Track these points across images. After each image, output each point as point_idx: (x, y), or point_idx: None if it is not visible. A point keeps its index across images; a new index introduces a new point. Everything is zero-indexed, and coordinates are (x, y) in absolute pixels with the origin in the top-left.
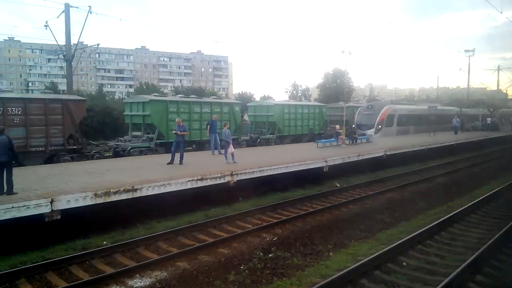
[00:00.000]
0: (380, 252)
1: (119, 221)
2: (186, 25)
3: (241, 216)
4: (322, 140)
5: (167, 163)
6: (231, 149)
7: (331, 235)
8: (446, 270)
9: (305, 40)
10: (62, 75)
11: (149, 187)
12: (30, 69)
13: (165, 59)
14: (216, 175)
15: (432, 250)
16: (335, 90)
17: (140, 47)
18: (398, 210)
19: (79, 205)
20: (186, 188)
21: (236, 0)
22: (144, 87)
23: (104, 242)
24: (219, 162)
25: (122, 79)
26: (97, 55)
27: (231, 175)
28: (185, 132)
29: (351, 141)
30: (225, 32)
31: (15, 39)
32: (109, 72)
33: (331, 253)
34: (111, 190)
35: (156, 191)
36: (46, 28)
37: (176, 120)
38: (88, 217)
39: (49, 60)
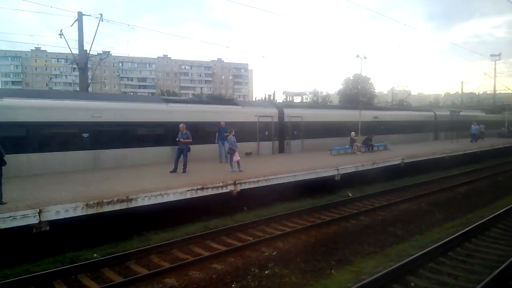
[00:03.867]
0: (387, 270)
1: (114, 232)
2: (207, 33)
3: (243, 228)
4: (336, 147)
5: (170, 172)
6: (236, 157)
7: (337, 249)
8: None
9: (325, 46)
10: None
11: (144, 197)
12: (50, 78)
13: (186, 67)
14: (217, 184)
15: (445, 268)
16: (356, 96)
17: (162, 56)
18: (413, 223)
19: (69, 216)
20: (185, 198)
21: (256, 9)
22: (165, 94)
23: (95, 255)
24: (225, 170)
25: (145, 87)
26: (120, 64)
27: (234, 184)
28: (189, 140)
29: (367, 148)
30: (245, 40)
31: (41, 48)
32: (131, 80)
33: (333, 271)
34: (104, 201)
35: (152, 201)
36: (60, 37)
37: (180, 126)
38: (80, 228)
39: (74, 69)
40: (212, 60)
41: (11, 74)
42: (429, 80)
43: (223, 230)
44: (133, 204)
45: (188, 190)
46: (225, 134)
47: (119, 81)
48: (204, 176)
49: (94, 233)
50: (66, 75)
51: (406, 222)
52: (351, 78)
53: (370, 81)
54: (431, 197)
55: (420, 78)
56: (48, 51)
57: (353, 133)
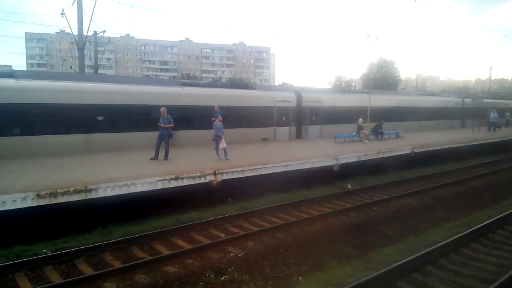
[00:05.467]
0: (360, 281)
1: (75, 225)
2: (230, 16)
3: (219, 223)
4: (341, 135)
5: (150, 159)
6: (222, 144)
7: (313, 251)
8: None
9: (350, 29)
10: (109, 65)
11: (107, 187)
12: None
13: (207, 51)
14: (195, 174)
15: (430, 280)
16: (380, 81)
17: (184, 39)
18: (409, 221)
19: (17, 207)
20: (156, 188)
21: None
22: (185, 78)
23: (44, 250)
24: (212, 158)
25: (166, 70)
26: (142, 47)
27: (214, 174)
28: (170, 125)
29: (376, 136)
30: (268, 23)
31: (66, 31)
32: (153, 63)
33: (300, 278)
34: (59, 191)
35: (116, 192)
36: (62, 16)
37: (160, 110)
38: (33, 220)
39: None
40: (234, 44)
41: (37, 57)
42: (460, 66)
43: (195, 225)
44: (93, 195)
45: (160, 180)
46: (212, 119)
47: (141, 64)
48: (186, 165)
49: (50, 226)
50: (90, 57)
51: (402, 220)
52: (375, 62)
53: (395, 66)
54: (437, 191)
55: (450, 64)
56: (74, 33)
57: (360, 119)
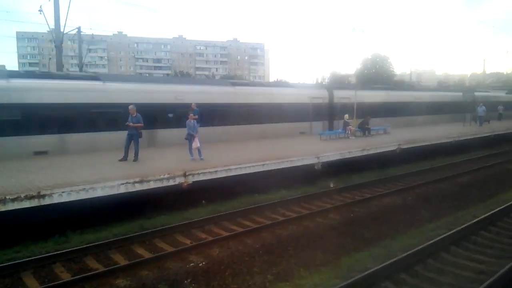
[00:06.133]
0: None
1: (31, 233)
2: (222, 12)
3: (186, 228)
4: (326, 131)
5: (119, 160)
6: (196, 143)
7: (281, 258)
8: None
9: (344, 24)
10: (103, 64)
11: (62, 192)
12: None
13: (201, 48)
14: (162, 177)
15: None
16: (373, 76)
17: (178, 36)
18: (389, 222)
19: None
20: (118, 192)
21: None
22: (179, 75)
23: None
24: (185, 159)
25: (160, 68)
26: (135, 45)
27: (184, 175)
28: (139, 124)
29: (363, 132)
30: (261, 18)
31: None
32: (147, 61)
33: None
34: (8, 197)
35: (73, 197)
36: (40, 13)
37: (129, 108)
38: None
39: (89, 50)
40: (228, 40)
41: (28, 56)
42: (456, 60)
43: (160, 231)
44: (47, 201)
45: (122, 184)
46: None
47: (135, 62)
48: (156, 166)
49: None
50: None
51: (382, 221)
52: (369, 57)
53: (389, 61)
54: (422, 189)
55: (446, 58)
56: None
57: (346, 115)
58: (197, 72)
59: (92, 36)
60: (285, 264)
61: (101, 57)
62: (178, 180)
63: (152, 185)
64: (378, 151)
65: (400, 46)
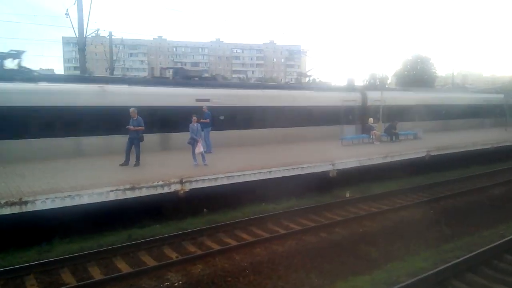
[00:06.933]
0: None
1: (14, 240)
2: (259, 15)
3: (176, 240)
4: (348, 136)
5: (120, 164)
6: (199, 148)
7: (269, 280)
8: None
9: (384, 25)
10: (143, 68)
11: (46, 199)
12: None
13: (238, 51)
14: (156, 183)
15: None
16: (414, 78)
17: (215, 40)
18: (402, 240)
19: None
20: (107, 200)
21: None
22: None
23: None
24: (189, 164)
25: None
26: (174, 49)
27: (181, 182)
28: (140, 127)
29: (389, 137)
30: (298, 20)
31: (101, 35)
32: (185, 65)
33: None
34: None
35: (57, 204)
36: (67, 17)
37: (130, 111)
38: None
39: (130, 54)
40: (264, 43)
41: (73, 60)
42: (504, 62)
43: (147, 242)
44: (29, 208)
45: (112, 191)
46: (202, 121)
47: (173, 65)
48: (156, 172)
49: None
50: (123, 60)
51: (395, 238)
52: (410, 58)
53: (430, 61)
54: (448, 201)
55: (494, 59)
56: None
57: (370, 119)
58: (234, 75)
59: (121, 40)
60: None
61: (142, 61)
62: (173, 188)
63: (145, 192)
64: (404, 158)
65: (444, 46)
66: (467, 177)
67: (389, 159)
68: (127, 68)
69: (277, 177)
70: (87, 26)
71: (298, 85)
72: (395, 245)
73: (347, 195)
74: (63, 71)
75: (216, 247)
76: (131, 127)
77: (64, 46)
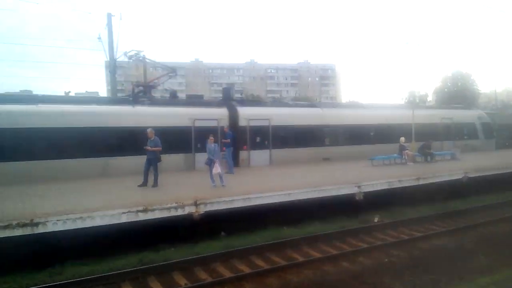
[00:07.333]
0: None
1: (29, 262)
2: (293, 35)
3: (187, 265)
4: (378, 156)
5: (138, 186)
6: (216, 169)
7: None
8: None
9: (423, 41)
10: (181, 90)
11: (57, 221)
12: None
13: (272, 71)
14: (169, 205)
15: None
16: (455, 95)
17: (250, 61)
18: (431, 272)
19: None
20: (120, 222)
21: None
22: (250, 99)
23: None
24: (207, 186)
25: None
26: (210, 71)
27: (195, 205)
28: (158, 148)
29: (424, 158)
30: (332, 39)
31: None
32: (221, 86)
33: None
34: None
35: (69, 226)
36: (99, 41)
37: (147, 131)
38: None
39: (170, 76)
40: (298, 63)
41: (117, 83)
42: None
43: (157, 267)
44: (40, 229)
45: (125, 213)
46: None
47: (210, 87)
48: (172, 193)
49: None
50: (163, 82)
51: (423, 270)
52: (450, 75)
53: (472, 78)
54: (487, 229)
55: None
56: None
57: (402, 138)
58: (268, 95)
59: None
60: None
61: (180, 83)
62: (187, 210)
63: (158, 214)
64: (438, 180)
65: (487, 62)
66: (508, 202)
67: (421, 181)
68: (166, 89)
69: (295, 200)
70: (116, 49)
71: (350, 104)
72: (422, 279)
73: (376, 219)
74: (105, 93)
75: (228, 274)
76: (149, 148)
77: (105, 70)
